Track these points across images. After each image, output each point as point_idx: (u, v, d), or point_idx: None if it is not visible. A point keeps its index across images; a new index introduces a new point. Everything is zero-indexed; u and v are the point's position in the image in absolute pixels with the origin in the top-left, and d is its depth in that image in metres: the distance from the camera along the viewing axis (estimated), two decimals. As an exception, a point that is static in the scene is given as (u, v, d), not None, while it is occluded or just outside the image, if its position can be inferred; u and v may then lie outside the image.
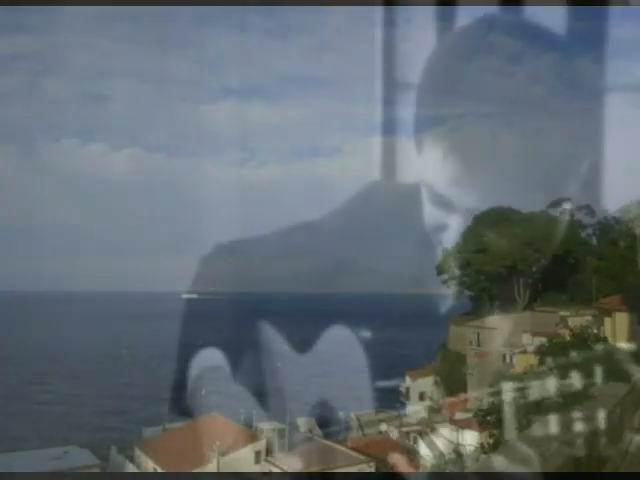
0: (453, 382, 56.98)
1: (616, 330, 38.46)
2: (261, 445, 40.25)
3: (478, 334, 56.10)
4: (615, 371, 12.17)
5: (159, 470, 39.24)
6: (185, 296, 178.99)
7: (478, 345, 55.78)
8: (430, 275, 62.73)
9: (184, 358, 59.57)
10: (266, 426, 42.94)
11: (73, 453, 40.41)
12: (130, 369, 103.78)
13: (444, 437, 44.97)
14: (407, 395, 60.86)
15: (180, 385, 52.09)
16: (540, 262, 56.18)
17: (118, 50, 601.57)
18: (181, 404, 49.35)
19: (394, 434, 47.58)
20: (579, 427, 6.60)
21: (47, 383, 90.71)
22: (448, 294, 62.65)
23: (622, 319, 38.78)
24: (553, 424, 6.58)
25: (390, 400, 58.74)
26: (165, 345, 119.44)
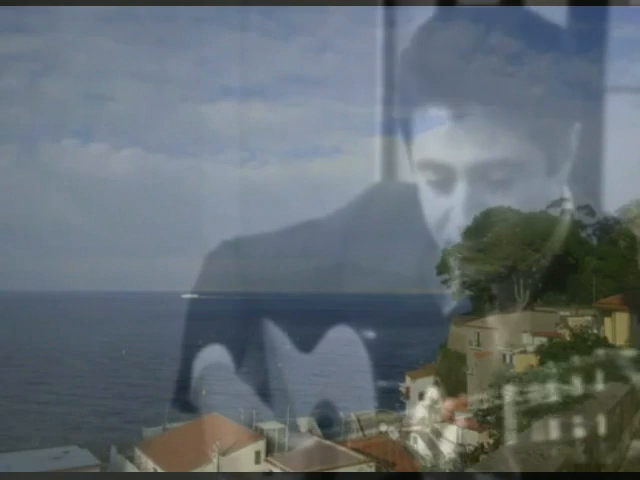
0: (453, 382, 56.95)
1: (616, 330, 38.47)
2: (261, 445, 40.25)
3: (478, 334, 56.08)
4: (615, 371, 12.17)
5: (159, 470, 39.24)
6: (185, 296, 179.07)
7: (478, 345, 55.76)
8: (430, 275, 62.71)
9: (184, 358, 59.62)
10: (266, 426, 42.94)
11: (73, 453, 40.41)
12: (130, 369, 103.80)
13: (444, 437, 44.98)
14: (407, 395, 60.86)
15: (180, 385, 52.12)
16: (540, 262, 56.14)
17: (118, 50, 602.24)
18: (181, 404, 49.37)
19: (394, 434, 47.59)
20: (579, 427, 6.60)
21: (47, 383, 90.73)
22: (448, 294, 62.64)
23: (622, 319, 38.80)
24: (553, 424, 6.58)
25: (390, 400, 58.77)
26: (165, 345, 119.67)
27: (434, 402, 55.66)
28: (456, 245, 55.67)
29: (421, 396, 59.41)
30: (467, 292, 64.13)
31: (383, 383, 56.55)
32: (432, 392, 59.06)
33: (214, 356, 45.87)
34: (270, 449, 40.48)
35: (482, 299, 63.65)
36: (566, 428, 6.48)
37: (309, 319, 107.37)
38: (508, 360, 49.18)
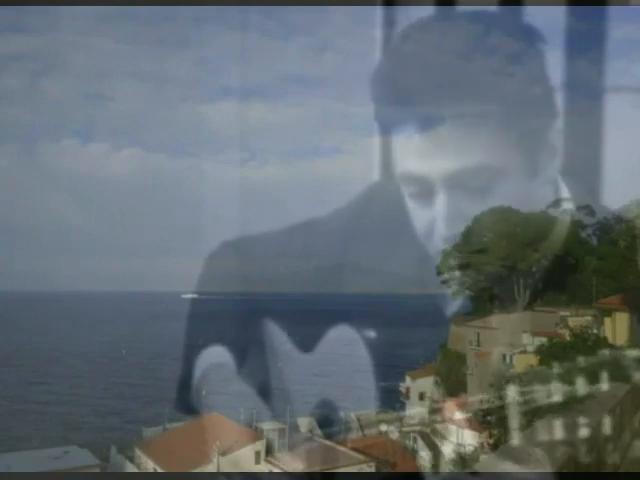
0: (453, 382, 56.94)
1: (616, 330, 38.49)
2: (261, 445, 40.23)
3: (478, 334, 56.06)
4: (615, 371, 12.17)
5: (159, 470, 39.23)
6: (185, 296, 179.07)
7: (478, 345, 55.75)
8: (430, 275, 62.71)
9: (184, 358, 59.57)
10: (266, 426, 42.91)
11: (73, 453, 40.38)
12: (130, 369, 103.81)
13: (444, 437, 44.97)
14: (407, 395, 60.85)
15: (180, 385, 52.07)
16: (540, 262, 56.13)
17: (118, 50, 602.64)
18: (181, 404, 49.36)
19: (394, 434, 47.58)
20: (579, 427, 6.60)
21: (47, 383, 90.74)
22: (449, 294, 62.64)
23: (622, 319, 38.83)
24: (553, 424, 6.58)
25: (390, 400, 58.75)
26: (165, 345, 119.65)
27: (434, 402, 55.66)
28: (456, 245, 55.68)
29: (421, 396, 59.43)
30: (467, 292, 64.17)
31: (383, 383, 56.54)
32: (432, 392, 59.11)
33: (214, 356, 45.82)
34: (270, 449, 40.46)
35: (482, 299, 63.65)
36: (566, 428, 6.48)
37: (309, 319, 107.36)
38: (508, 360, 49.18)
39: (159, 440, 44.41)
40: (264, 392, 45.83)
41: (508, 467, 4.97)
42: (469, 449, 36.16)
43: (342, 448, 40.36)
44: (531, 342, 48.37)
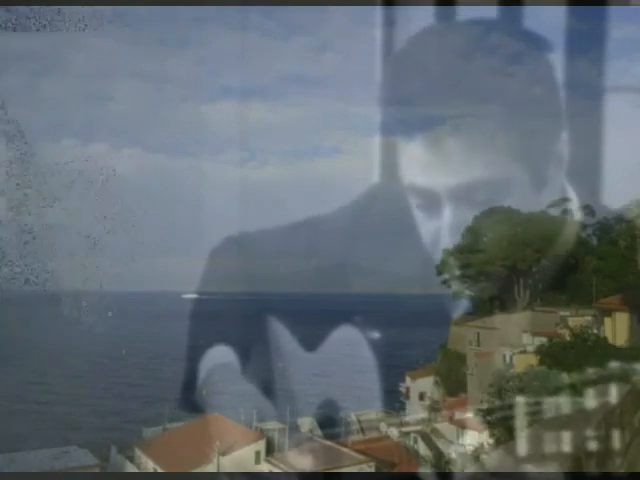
0: (453, 382, 56.93)
1: (616, 330, 38.54)
2: (261, 445, 40.23)
3: (478, 334, 56.04)
4: (615, 371, 12.20)
5: (159, 470, 39.22)
6: (185, 296, 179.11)
7: (478, 345, 55.72)
8: (431, 275, 62.71)
9: (184, 358, 59.61)
10: (266, 426, 42.92)
11: (73, 453, 40.39)
12: (130, 369, 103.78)
13: (444, 437, 45.00)
14: (407, 395, 60.84)
15: (180, 385, 52.11)
16: (540, 262, 56.12)
17: (118, 50, 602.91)
18: (181, 404, 49.36)
19: (394, 434, 47.59)
20: (578, 427, 6.60)
21: (47, 383, 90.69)
22: (449, 294, 62.64)
23: (622, 319, 38.88)
24: (552, 424, 6.58)
25: (390, 400, 58.74)
26: (165, 345, 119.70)
27: (434, 402, 55.69)
28: (456, 245, 55.72)
29: (421, 396, 59.43)
30: (467, 292, 64.19)
31: (383, 383, 56.51)
32: (432, 392, 59.13)
33: (214, 356, 45.83)
34: (270, 449, 40.45)
35: (482, 299, 63.63)
36: (565, 427, 6.48)
37: (309, 319, 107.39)
38: (508, 360, 49.16)
39: (159, 440, 44.41)
40: (265, 392, 45.84)
41: (508, 467, 4.97)
42: (469, 449, 36.15)
43: (342, 448, 40.36)
44: (531, 342, 48.36)
